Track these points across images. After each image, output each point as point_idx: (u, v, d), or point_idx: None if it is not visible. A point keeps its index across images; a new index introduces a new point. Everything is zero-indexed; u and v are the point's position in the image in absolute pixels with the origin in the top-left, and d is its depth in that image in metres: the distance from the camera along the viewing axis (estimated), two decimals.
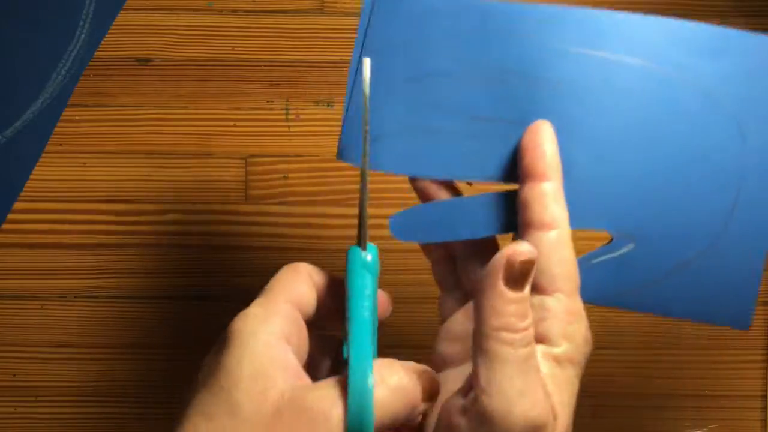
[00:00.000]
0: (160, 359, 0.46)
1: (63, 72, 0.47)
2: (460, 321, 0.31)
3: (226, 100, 0.47)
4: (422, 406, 0.27)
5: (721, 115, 0.29)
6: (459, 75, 0.30)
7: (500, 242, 0.31)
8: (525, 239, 0.27)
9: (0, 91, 0.46)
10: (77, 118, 0.47)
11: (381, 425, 0.25)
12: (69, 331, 0.46)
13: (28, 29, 0.47)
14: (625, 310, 0.30)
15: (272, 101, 0.47)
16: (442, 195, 0.30)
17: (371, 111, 0.29)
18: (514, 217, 0.29)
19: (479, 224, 0.30)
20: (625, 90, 0.29)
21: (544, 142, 0.28)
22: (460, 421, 0.26)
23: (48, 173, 0.47)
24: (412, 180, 0.31)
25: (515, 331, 0.25)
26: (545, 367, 0.26)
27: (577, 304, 0.27)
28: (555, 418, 0.25)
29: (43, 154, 0.47)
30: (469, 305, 0.30)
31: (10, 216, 0.47)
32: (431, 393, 0.27)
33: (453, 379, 0.29)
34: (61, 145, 0.47)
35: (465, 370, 0.27)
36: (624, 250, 0.29)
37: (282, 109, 0.47)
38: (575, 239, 0.28)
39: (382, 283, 0.29)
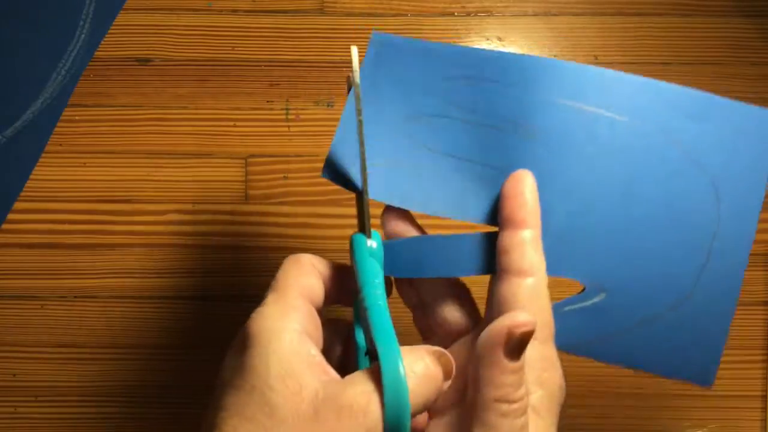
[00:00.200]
0: (160, 359, 0.46)
1: (63, 72, 0.47)
2: None
3: (226, 100, 0.47)
4: (445, 386, 0.27)
5: (700, 176, 0.30)
6: (450, 117, 0.30)
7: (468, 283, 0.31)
8: (502, 284, 0.28)
9: (0, 91, 0.47)
10: (77, 118, 0.47)
11: (414, 413, 0.25)
12: (69, 331, 0.46)
13: (28, 29, 0.47)
14: (593, 360, 0.30)
15: (272, 101, 0.47)
16: (411, 233, 0.30)
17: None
18: (492, 260, 0.29)
19: (457, 264, 0.30)
20: (608, 145, 0.30)
21: (525, 191, 0.29)
22: None
23: (48, 173, 0.47)
24: (385, 212, 0.31)
25: (512, 401, 0.25)
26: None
27: (552, 352, 0.28)
28: None
29: (43, 154, 0.47)
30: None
31: (10, 216, 0.47)
32: (448, 373, 0.27)
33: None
34: (60, 145, 0.47)
35: (450, 420, 0.27)
36: (595, 299, 0.30)
37: (282, 109, 0.47)
38: (548, 285, 0.28)
39: None
